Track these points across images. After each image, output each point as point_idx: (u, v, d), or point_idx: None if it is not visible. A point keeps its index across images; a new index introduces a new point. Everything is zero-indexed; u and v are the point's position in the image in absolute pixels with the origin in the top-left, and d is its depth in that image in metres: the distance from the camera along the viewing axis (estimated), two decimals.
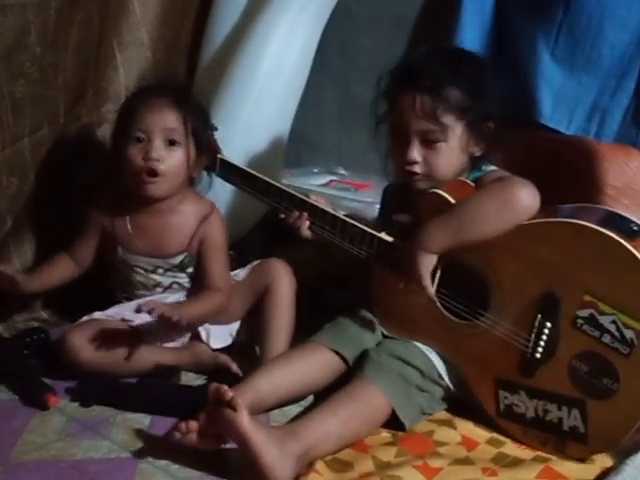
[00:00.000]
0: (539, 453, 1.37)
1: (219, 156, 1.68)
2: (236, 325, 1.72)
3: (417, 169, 1.47)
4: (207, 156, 1.67)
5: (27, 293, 1.68)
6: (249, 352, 1.71)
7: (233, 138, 1.72)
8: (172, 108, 1.59)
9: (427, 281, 1.39)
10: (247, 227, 2.00)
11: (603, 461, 1.34)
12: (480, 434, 1.42)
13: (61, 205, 1.85)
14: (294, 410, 1.50)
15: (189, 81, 2.05)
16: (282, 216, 1.61)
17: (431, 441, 1.40)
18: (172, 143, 1.59)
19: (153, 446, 1.41)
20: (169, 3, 1.97)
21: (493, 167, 1.51)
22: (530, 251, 1.34)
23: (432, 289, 1.40)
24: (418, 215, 1.45)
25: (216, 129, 1.69)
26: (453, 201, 1.40)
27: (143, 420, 1.49)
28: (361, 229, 1.51)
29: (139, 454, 1.38)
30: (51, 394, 1.53)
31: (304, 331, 1.71)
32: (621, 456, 1.31)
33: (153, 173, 1.58)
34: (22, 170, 1.77)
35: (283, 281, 1.65)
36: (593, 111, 1.81)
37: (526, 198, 1.34)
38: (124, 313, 1.66)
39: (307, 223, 1.57)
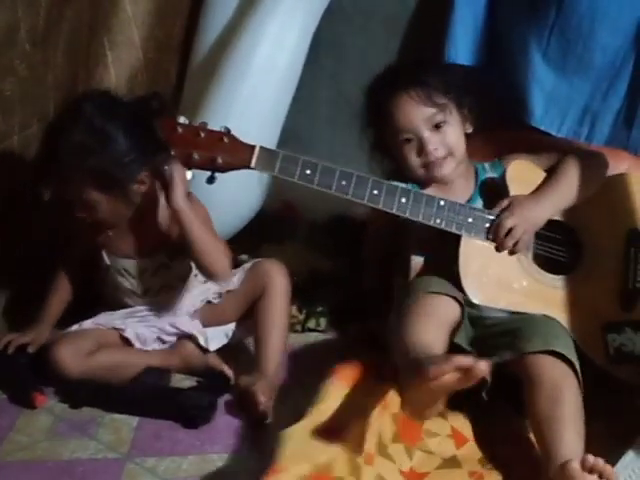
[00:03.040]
0: None
1: (259, 146, 1.52)
2: (231, 325, 1.71)
3: (440, 154, 1.57)
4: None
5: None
6: (243, 352, 1.72)
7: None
8: None
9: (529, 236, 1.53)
10: (239, 225, 1.99)
11: None
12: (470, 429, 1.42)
13: (49, 203, 1.84)
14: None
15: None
16: None
17: (421, 429, 1.39)
18: None
19: (140, 447, 1.41)
20: (161, 1, 1.95)
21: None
22: (608, 198, 1.59)
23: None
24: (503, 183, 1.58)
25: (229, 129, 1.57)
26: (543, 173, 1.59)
27: (130, 421, 1.49)
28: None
29: (126, 455, 1.38)
30: (38, 393, 1.53)
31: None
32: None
33: None
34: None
35: (278, 283, 1.65)
36: (584, 114, 1.81)
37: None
38: (114, 322, 1.66)
39: None
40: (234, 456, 1.38)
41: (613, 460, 1.30)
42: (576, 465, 1.20)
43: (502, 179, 1.59)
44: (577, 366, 1.37)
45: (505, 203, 1.54)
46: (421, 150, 1.57)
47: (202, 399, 1.50)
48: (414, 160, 1.58)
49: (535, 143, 1.75)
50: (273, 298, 1.64)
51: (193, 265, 1.69)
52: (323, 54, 2.15)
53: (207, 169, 1.52)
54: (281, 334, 1.62)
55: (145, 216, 1.61)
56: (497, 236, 1.53)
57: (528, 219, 1.52)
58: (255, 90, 1.90)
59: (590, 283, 1.55)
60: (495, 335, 1.47)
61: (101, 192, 1.54)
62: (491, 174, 1.64)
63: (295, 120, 2.04)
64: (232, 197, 1.81)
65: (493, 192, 1.59)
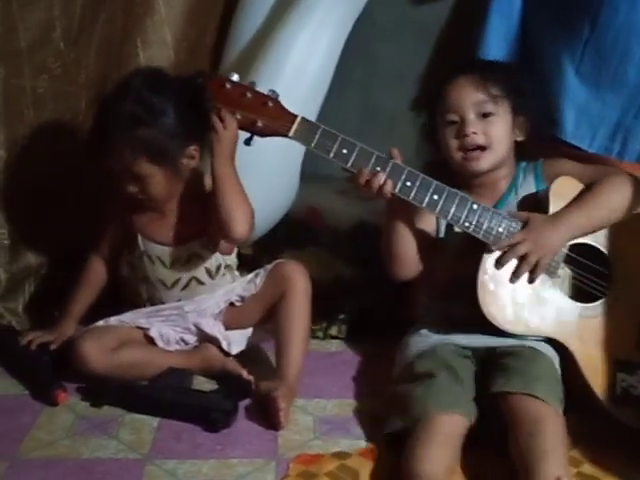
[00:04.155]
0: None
1: (301, 117, 1.53)
2: (251, 329, 1.71)
3: (478, 140, 1.56)
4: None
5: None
6: (258, 355, 1.72)
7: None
8: None
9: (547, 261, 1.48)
10: (266, 228, 1.98)
11: None
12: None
13: (79, 200, 1.85)
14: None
15: None
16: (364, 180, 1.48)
17: None
18: None
19: (161, 448, 1.41)
20: (194, 3, 1.96)
21: None
22: None
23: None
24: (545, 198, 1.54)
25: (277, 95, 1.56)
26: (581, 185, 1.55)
27: (151, 421, 1.49)
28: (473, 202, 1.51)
29: (146, 456, 1.38)
30: (61, 391, 1.53)
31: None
32: None
33: None
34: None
35: (299, 284, 1.63)
36: (616, 130, 1.79)
37: None
38: (139, 320, 1.66)
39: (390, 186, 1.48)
40: (255, 461, 1.38)
41: None
42: None
43: (545, 193, 1.56)
44: (558, 407, 1.36)
45: (524, 216, 1.52)
46: (461, 132, 1.57)
47: (224, 403, 1.50)
48: (453, 142, 1.58)
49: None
50: (294, 301, 1.62)
51: (222, 263, 1.70)
52: (352, 62, 2.14)
53: (246, 130, 1.52)
54: (303, 338, 1.61)
55: (186, 202, 1.64)
56: (508, 261, 1.48)
57: (543, 245, 1.48)
58: (285, 97, 1.89)
59: (612, 317, 1.51)
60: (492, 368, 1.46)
61: (153, 164, 1.56)
62: (529, 178, 1.63)
63: None
64: (262, 197, 1.81)
65: (532, 206, 1.57)
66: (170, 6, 1.92)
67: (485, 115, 1.57)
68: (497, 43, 1.89)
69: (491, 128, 1.57)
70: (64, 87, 1.79)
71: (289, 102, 1.91)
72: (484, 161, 1.58)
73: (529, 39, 1.90)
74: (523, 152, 1.66)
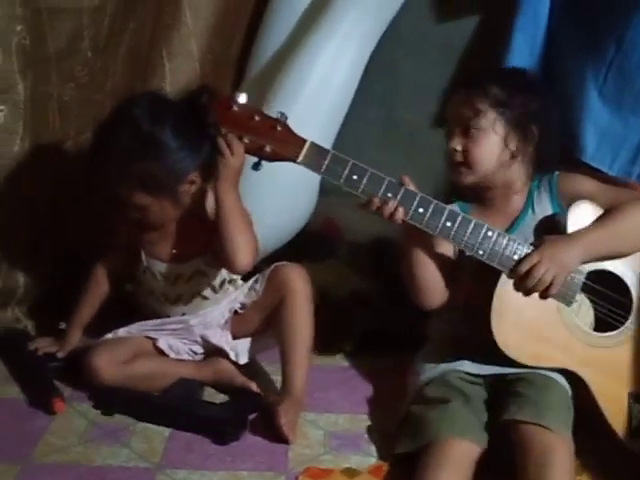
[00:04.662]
0: None
1: (310, 141, 1.45)
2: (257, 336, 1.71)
3: (457, 157, 1.54)
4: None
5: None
6: (266, 366, 1.74)
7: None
8: None
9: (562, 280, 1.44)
10: (282, 242, 1.99)
11: None
12: None
13: (100, 207, 1.87)
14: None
15: None
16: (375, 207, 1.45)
17: None
18: None
19: (171, 458, 1.42)
20: (222, 16, 1.98)
21: None
22: None
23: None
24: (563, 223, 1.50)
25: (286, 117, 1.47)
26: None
27: (163, 430, 1.50)
28: (485, 227, 1.46)
29: (157, 465, 1.39)
30: (59, 399, 1.54)
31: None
32: None
33: None
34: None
35: (298, 288, 1.61)
36: (637, 152, 1.77)
37: None
38: (147, 331, 1.67)
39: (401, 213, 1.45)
40: (264, 474, 1.38)
41: None
42: None
43: (564, 218, 1.51)
44: (568, 437, 1.35)
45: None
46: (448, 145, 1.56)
47: (234, 416, 1.51)
48: (447, 155, 1.57)
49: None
50: (294, 305, 1.60)
51: (226, 278, 1.69)
52: (375, 76, 2.15)
53: (254, 155, 1.47)
54: (305, 344, 1.59)
55: (189, 220, 1.63)
56: (525, 285, 1.44)
57: (558, 262, 1.43)
58: (308, 109, 1.91)
59: (630, 347, 1.49)
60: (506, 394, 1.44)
61: (150, 196, 1.55)
62: (544, 195, 1.59)
63: (343, 141, 2.04)
64: (280, 210, 1.82)
65: (549, 230, 1.53)
66: (197, 18, 1.94)
67: (469, 130, 1.53)
68: (520, 61, 1.88)
69: (472, 145, 1.53)
70: (90, 95, 1.80)
71: (312, 116, 1.93)
72: (464, 177, 1.56)
73: (553, 58, 1.89)
74: (540, 166, 1.62)
